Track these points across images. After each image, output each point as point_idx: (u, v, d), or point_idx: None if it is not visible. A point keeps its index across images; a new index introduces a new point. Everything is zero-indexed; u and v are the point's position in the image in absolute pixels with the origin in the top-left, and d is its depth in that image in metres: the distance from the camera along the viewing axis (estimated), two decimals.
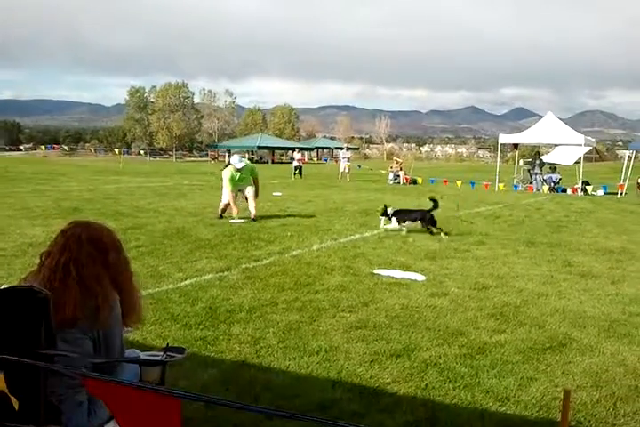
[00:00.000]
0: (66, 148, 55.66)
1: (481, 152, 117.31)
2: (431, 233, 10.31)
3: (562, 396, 3.74)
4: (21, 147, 72.02)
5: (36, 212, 12.00)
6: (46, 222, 10.37)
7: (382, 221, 10.72)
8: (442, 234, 10.14)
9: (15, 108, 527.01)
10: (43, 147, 54.78)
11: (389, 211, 10.53)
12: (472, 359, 4.42)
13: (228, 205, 11.69)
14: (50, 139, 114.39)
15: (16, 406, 2.09)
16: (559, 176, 24.42)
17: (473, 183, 23.42)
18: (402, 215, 10.52)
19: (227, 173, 11.61)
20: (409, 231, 10.38)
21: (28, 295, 2.35)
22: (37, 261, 2.74)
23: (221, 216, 11.79)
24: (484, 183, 23.19)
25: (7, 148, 67.35)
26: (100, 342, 2.60)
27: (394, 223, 10.47)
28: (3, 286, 3.07)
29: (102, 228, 2.79)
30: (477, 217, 13.53)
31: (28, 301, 2.34)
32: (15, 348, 2.15)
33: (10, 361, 2.03)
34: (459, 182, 23.52)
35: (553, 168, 25.01)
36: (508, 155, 53.30)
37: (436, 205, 10.46)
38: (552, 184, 23.93)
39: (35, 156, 61.82)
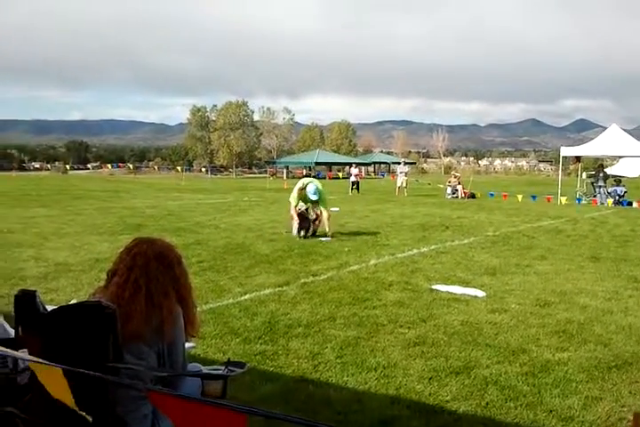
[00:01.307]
0: (130, 166, 57.42)
1: (542, 165, 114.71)
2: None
3: (629, 416, 3.63)
4: (89, 165, 74.83)
5: (103, 228, 12.42)
6: (112, 238, 10.73)
7: None
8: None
9: (83, 128, 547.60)
10: (109, 165, 56.75)
11: None
12: (534, 378, 4.33)
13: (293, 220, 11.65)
14: (116, 157, 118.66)
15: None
16: (624, 189, 23.65)
17: (534, 197, 22.94)
18: None
19: (296, 194, 11.51)
20: None
21: (96, 310, 2.46)
22: (104, 276, 2.85)
23: (314, 234, 11.52)
24: (546, 197, 22.68)
25: (76, 166, 70.04)
26: (165, 355, 2.68)
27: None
28: (72, 301, 3.22)
29: (165, 243, 2.88)
30: (539, 231, 13.24)
31: (96, 315, 2.45)
32: (85, 360, 2.25)
33: (81, 374, 2.12)
34: (519, 196, 23.08)
35: (617, 181, 24.26)
36: (571, 167, 51.97)
37: None
38: (617, 197, 23.18)
39: (101, 174, 64.09)
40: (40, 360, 2.14)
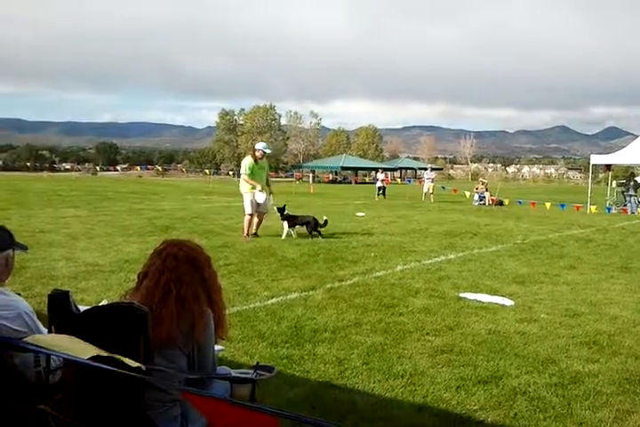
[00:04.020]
0: (159, 168, 57.99)
1: (571, 173, 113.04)
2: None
3: None
4: (118, 167, 75.69)
5: (132, 229, 12.55)
6: (141, 240, 10.84)
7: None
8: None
9: (113, 130, 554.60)
10: (138, 167, 57.36)
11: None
12: (564, 389, 4.26)
13: (252, 217, 11.72)
14: (144, 159, 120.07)
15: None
16: None
17: (563, 205, 22.64)
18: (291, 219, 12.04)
19: (247, 167, 11.77)
20: None
21: (128, 311, 2.48)
22: (133, 277, 2.88)
23: (256, 234, 11.85)
24: (576, 205, 22.36)
25: (105, 168, 70.96)
26: (195, 358, 2.70)
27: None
28: (103, 302, 3.25)
29: (194, 245, 2.88)
30: (569, 240, 13.06)
31: (128, 317, 2.47)
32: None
33: (110, 374, 2.14)
34: (548, 204, 22.79)
35: None
36: (600, 176, 51.30)
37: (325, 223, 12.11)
38: None
39: (130, 176, 64.73)
40: (74, 357, 2.17)
